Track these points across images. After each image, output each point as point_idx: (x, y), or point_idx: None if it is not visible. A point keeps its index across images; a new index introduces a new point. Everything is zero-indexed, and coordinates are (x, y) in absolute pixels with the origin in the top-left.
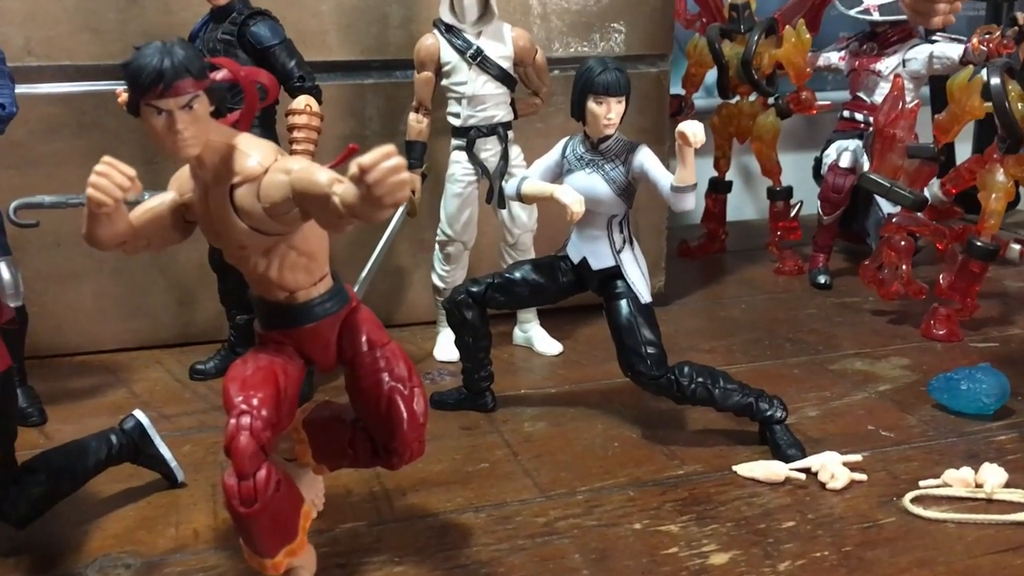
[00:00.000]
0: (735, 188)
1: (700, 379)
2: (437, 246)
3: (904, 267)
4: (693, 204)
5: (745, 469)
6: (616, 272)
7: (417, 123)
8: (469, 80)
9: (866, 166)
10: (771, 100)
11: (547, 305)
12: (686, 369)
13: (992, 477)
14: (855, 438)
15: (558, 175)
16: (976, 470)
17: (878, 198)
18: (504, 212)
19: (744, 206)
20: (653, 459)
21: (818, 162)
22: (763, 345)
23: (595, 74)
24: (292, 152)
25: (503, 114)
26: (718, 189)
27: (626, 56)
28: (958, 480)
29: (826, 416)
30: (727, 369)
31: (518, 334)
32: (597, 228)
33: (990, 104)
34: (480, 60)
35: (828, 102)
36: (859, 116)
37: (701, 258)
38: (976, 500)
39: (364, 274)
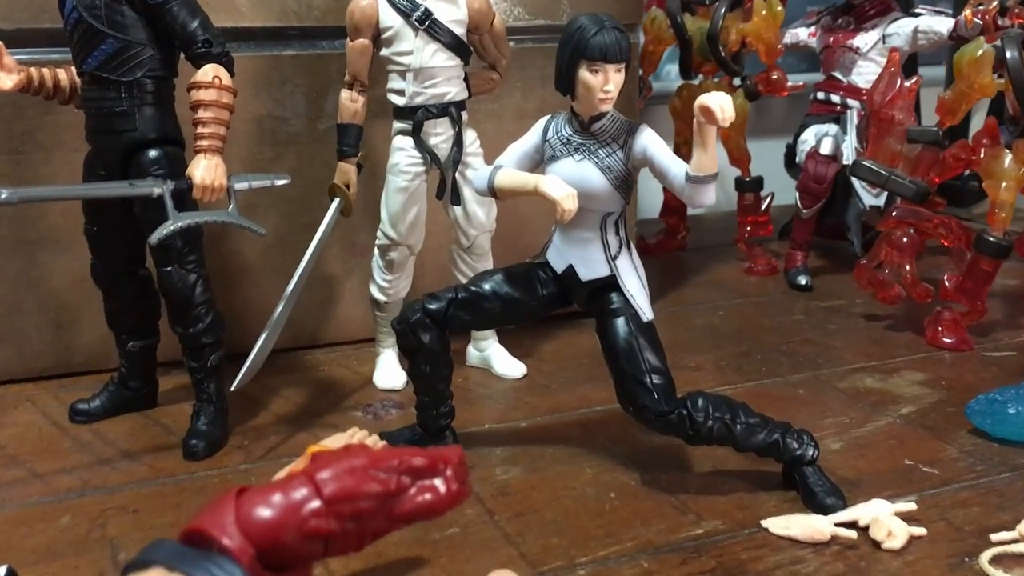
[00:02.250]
0: None
1: (718, 414)
2: (377, 251)
3: (908, 267)
4: (714, 198)
5: (778, 525)
6: (611, 283)
7: (351, 102)
8: (415, 49)
9: (846, 153)
10: (737, 80)
11: (521, 323)
12: (700, 401)
13: None
14: (895, 477)
15: (538, 163)
16: None
17: (858, 188)
18: (458, 210)
19: None
20: (663, 514)
21: (791, 149)
22: (755, 359)
23: (589, 34)
24: (197, 138)
25: (456, 91)
26: None
27: None
28: None
29: (852, 449)
30: (721, 391)
31: (473, 353)
32: (588, 229)
33: (1002, 80)
34: (429, 25)
35: (801, 82)
36: (835, 97)
37: (660, 256)
38: None
39: (291, 286)
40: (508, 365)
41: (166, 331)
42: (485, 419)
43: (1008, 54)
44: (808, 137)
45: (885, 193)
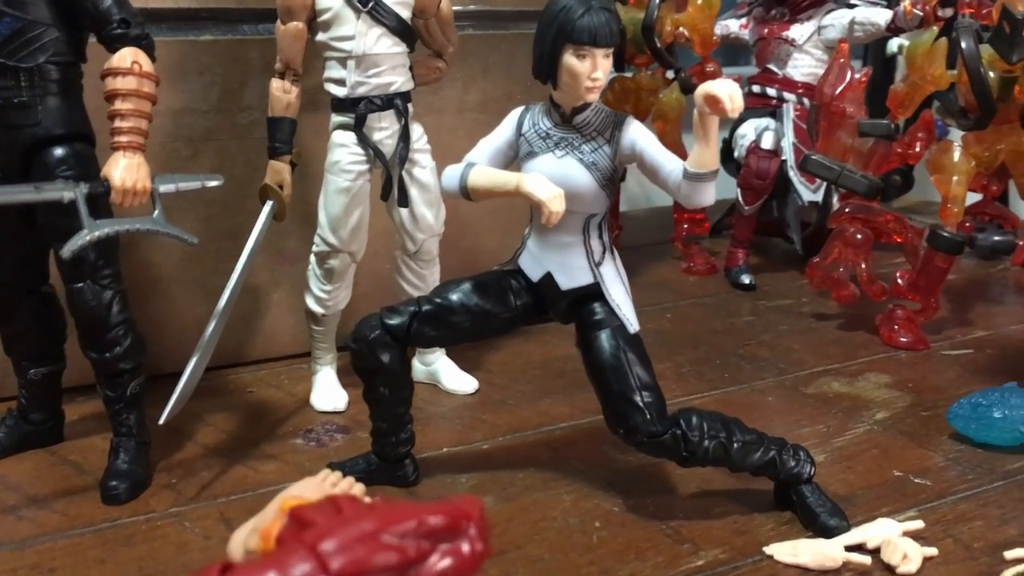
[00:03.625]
0: None
1: (713, 432)
2: (314, 259)
3: (863, 265)
4: (713, 198)
5: (784, 552)
6: (593, 292)
7: (283, 93)
8: (358, 34)
9: (785, 148)
10: (671, 73)
11: (491, 338)
12: (694, 419)
13: None
14: (889, 491)
15: (512, 159)
16: None
17: (796, 183)
18: (404, 212)
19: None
20: (656, 545)
21: (727, 144)
22: (715, 365)
23: (576, 15)
24: (115, 133)
25: (402, 81)
26: None
27: (531, 11)
28: None
29: (838, 461)
30: (689, 401)
31: (419, 368)
32: (569, 233)
33: (954, 72)
34: (373, 7)
35: (736, 75)
36: (771, 91)
37: None
38: None
39: (223, 302)
40: (458, 380)
41: (71, 353)
42: (442, 442)
43: (963, 44)
44: (747, 131)
45: (823, 188)
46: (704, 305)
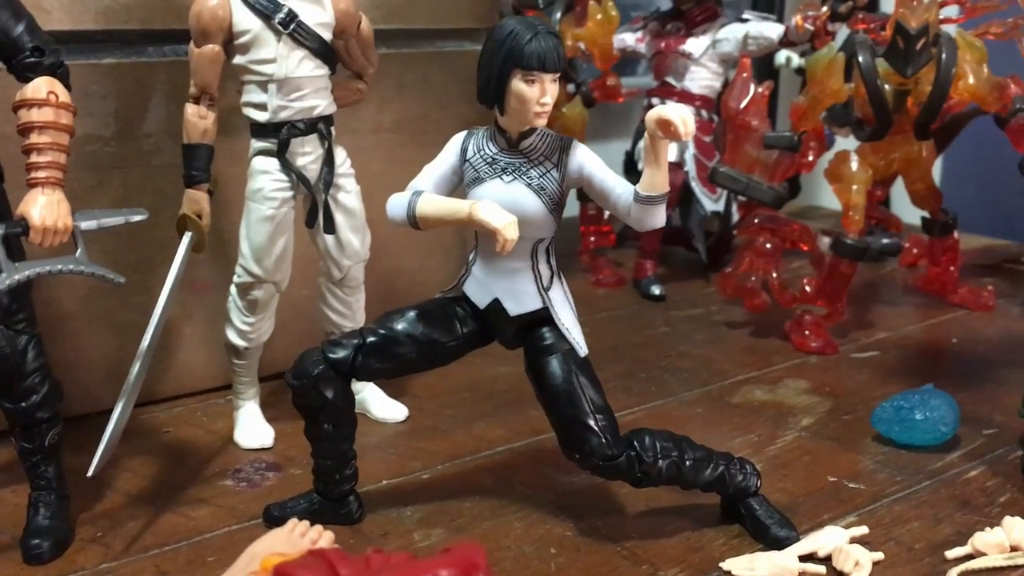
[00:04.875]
0: None
1: (665, 452)
2: (235, 290)
3: (774, 274)
4: (664, 220)
5: (741, 567)
6: (542, 316)
7: (200, 119)
8: (279, 57)
9: (688, 161)
10: (572, 87)
11: (436, 367)
12: (646, 440)
13: None
14: (826, 498)
15: (457, 185)
16: (989, 525)
17: (699, 194)
18: (329, 238)
19: None
20: (615, 568)
21: (630, 156)
22: (640, 379)
23: (524, 41)
24: (32, 168)
25: (325, 104)
26: None
27: (445, 30)
28: (992, 546)
29: (774, 470)
30: (623, 417)
31: None
32: (517, 258)
33: (851, 85)
34: (294, 28)
35: (636, 88)
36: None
37: None
38: (1021, 567)
39: (147, 340)
40: (388, 408)
41: None
42: (380, 474)
43: (860, 58)
44: None
45: (724, 198)
46: (619, 318)
